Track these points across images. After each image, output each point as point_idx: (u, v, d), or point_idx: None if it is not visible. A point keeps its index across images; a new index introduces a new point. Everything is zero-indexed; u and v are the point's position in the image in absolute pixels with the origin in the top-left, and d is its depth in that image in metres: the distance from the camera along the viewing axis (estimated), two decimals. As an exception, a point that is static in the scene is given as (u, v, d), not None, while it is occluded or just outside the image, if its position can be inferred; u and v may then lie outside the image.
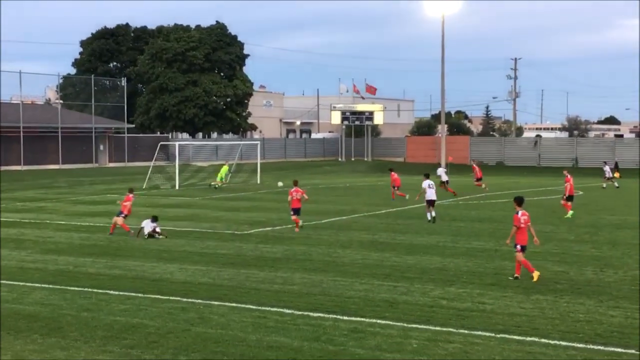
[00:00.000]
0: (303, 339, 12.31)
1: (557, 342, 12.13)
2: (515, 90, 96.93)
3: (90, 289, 16.33)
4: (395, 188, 38.32)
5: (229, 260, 20.14)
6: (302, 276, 17.72)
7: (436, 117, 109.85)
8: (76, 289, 16.41)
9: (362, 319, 13.57)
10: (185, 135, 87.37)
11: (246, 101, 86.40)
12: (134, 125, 79.65)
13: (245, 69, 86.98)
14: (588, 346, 11.97)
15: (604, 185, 47.56)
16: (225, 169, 48.19)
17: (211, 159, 73.73)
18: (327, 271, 18.35)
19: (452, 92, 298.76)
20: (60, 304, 14.93)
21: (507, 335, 12.53)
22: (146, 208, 31.92)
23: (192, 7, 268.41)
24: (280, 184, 46.76)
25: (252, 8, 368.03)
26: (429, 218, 28.38)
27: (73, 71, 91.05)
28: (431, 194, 28.70)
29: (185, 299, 15.26)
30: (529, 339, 12.34)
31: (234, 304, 14.81)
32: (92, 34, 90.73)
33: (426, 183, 29.13)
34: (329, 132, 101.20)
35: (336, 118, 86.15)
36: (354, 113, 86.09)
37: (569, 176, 31.57)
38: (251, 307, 14.58)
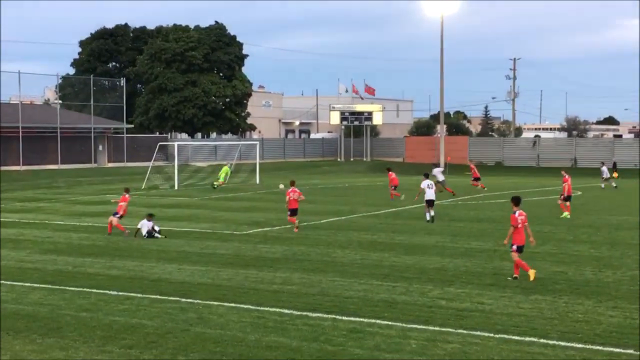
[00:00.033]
0: (302, 339, 12.31)
1: (556, 342, 12.14)
2: (514, 91, 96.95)
3: (89, 289, 16.33)
4: (392, 187, 38.32)
5: (227, 260, 20.14)
6: (301, 276, 17.73)
7: (435, 118, 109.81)
8: (75, 289, 16.41)
9: (361, 319, 13.58)
10: (184, 135, 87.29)
11: (245, 101, 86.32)
12: (132, 126, 79.54)
13: (244, 69, 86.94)
14: (587, 346, 11.98)
15: (602, 185, 47.64)
16: (225, 169, 48.25)
17: (210, 159, 73.72)
18: (326, 271, 18.35)
19: (451, 92, 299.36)
20: (59, 304, 14.92)
21: (505, 336, 12.53)
22: (145, 208, 31.89)
23: (191, 8, 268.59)
24: (281, 186, 46.66)
25: (251, 8, 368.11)
26: (428, 218, 28.40)
27: (72, 71, 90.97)
28: (430, 194, 28.73)
29: (184, 299, 15.26)
30: (527, 339, 12.35)
31: (232, 304, 14.81)
32: (91, 34, 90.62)
33: (425, 183, 29.16)
34: (328, 132, 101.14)
35: (335, 118, 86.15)
36: (353, 113, 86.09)
37: (566, 176, 31.62)
38: (250, 307, 14.58)
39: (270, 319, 13.61)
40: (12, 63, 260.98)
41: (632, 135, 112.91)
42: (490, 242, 22.88)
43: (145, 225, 24.55)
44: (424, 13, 76.36)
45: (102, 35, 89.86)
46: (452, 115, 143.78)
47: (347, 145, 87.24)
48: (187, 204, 36.55)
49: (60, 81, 78.82)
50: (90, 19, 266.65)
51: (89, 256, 20.88)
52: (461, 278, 17.44)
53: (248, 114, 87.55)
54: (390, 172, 39.11)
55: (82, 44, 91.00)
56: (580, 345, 12.01)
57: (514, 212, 17.42)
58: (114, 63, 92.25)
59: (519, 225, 17.29)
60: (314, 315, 13.93)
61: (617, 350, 11.80)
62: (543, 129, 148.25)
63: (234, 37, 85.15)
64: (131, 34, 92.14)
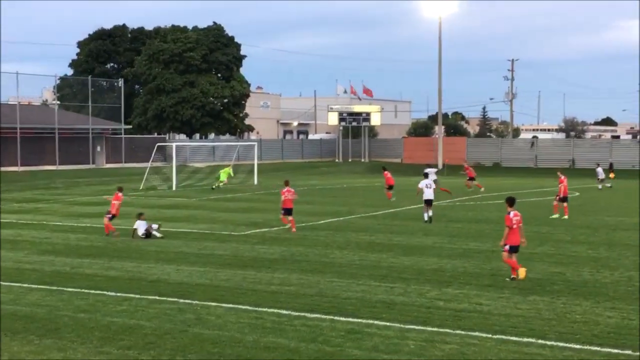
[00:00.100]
0: (300, 340, 12.31)
1: (554, 343, 12.15)
2: (512, 92, 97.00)
3: (87, 290, 16.32)
4: (386, 187, 38.22)
5: (226, 261, 20.14)
6: (299, 277, 17.73)
7: (433, 118, 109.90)
8: (73, 290, 16.41)
9: (359, 320, 13.59)
10: (183, 136, 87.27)
11: (243, 102, 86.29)
12: (131, 126, 79.48)
13: (242, 70, 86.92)
14: (585, 347, 11.99)
15: (599, 186, 47.68)
16: (226, 170, 48.30)
17: (208, 160, 73.72)
18: (324, 272, 18.36)
19: (449, 93, 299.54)
20: (57, 305, 14.92)
21: (503, 336, 12.54)
22: (144, 209, 31.86)
23: (189, 8, 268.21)
24: None
25: (249, 9, 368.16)
26: (426, 219, 28.40)
27: (70, 72, 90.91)
28: (429, 194, 28.73)
29: (182, 300, 15.26)
30: (525, 339, 12.36)
31: (231, 305, 14.81)
32: (89, 34, 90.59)
33: (423, 183, 29.18)
34: (326, 133, 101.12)
35: (333, 119, 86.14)
36: (351, 114, 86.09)
37: (562, 177, 31.63)
38: (248, 307, 14.58)
39: (268, 320, 13.61)
40: (10, 64, 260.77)
41: (629, 137, 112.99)
42: (488, 243, 22.88)
43: (141, 226, 24.53)
44: (422, 14, 76.59)
45: (100, 36, 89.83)
46: (450, 116, 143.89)
47: (345, 146, 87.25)
48: (185, 205, 36.55)
49: (58, 82, 78.82)
50: (88, 19, 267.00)
51: (87, 257, 20.87)
52: (459, 279, 17.45)
53: (246, 115, 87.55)
54: (385, 172, 39.02)
55: (80, 44, 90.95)
56: (578, 346, 12.02)
57: (509, 213, 17.44)
58: (112, 64, 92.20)
59: (514, 226, 17.31)
60: (312, 316, 13.93)
61: (615, 351, 11.81)
62: (541, 129, 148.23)
63: (232, 37, 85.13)
64: (129, 35, 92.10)
